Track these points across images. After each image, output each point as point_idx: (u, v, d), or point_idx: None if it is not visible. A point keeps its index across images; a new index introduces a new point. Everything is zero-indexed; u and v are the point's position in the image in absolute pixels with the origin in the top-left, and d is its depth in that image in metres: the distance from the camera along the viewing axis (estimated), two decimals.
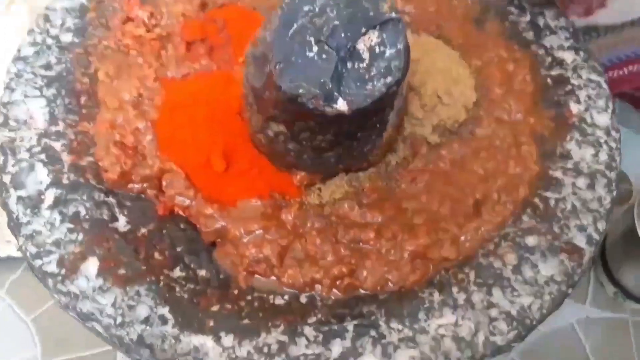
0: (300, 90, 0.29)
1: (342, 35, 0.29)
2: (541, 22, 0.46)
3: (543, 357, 0.50)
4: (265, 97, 0.32)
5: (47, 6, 0.45)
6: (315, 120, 0.31)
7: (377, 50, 0.30)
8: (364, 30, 0.30)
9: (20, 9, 0.59)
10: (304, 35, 0.29)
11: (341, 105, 0.29)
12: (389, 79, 0.30)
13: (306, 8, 0.29)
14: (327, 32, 0.29)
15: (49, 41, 0.43)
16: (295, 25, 0.29)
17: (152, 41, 0.43)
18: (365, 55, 0.30)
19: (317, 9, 0.29)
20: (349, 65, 0.30)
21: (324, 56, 0.29)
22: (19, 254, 0.53)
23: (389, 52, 0.30)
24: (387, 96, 0.31)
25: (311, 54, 0.29)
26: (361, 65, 0.30)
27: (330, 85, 0.29)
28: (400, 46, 0.30)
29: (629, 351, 0.52)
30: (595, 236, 0.35)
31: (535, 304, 0.33)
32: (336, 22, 0.29)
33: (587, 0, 0.55)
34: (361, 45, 0.30)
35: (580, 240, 0.35)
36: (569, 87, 0.42)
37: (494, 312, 0.33)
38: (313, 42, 0.29)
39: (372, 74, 0.30)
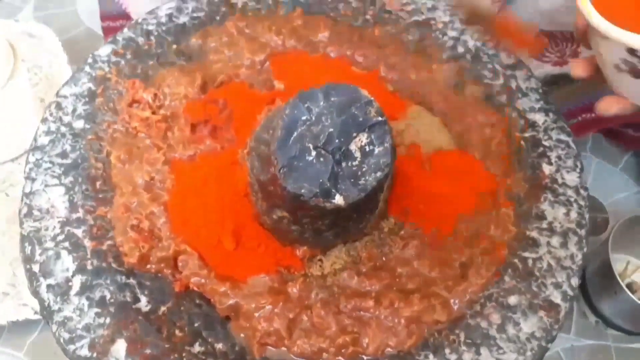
0: (303, 191, 0.33)
1: (336, 140, 0.33)
2: (513, 84, 0.50)
3: None
4: (270, 190, 0.36)
5: (58, 93, 0.48)
6: (315, 210, 0.35)
7: (367, 149, 0.34)
8: (355, 134, 0.34)
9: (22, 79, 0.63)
10: (303, 142, 0.33)
11: (338, 200, 0.33)
12: (378, 174, 0.34)
13: (304, 118, 0.33)
14: (323, 138, 0.33)
15: (63, 129, 0.46)
16: (295, 134, 0.33)
17: (158, 123, 0.47)
18: (357, 155, 0.34)
19: (313, 118, 0.33)
20: (343, 164, 0.34)
21: (321, 159, 0.33)
22: (36, 317, 0.56)
23: (377, 149, 0.34)
24: (378, 187, 0.35)
25: (310, 158, 0.33)
26: (354, 163, 0.34)
27: (328, 184, 0.33)
28: (387, 144, 0.34)
29: None
30: (570, 292, 0.39)
31: None
32: (331, 130, 0.33)
33: (560, 50, 0.59)
34: (353, 146, 0.34)
35: (556, 297, 0.39)
36: (542, 148, 0.46)
37: None
38: (311, 147, 0.33)
39: (364, 169, 0.34)
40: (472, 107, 0.49)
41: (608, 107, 0.38)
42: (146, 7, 0.53)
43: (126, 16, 0.65)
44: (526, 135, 0.47)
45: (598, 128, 0.63)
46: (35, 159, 0.45)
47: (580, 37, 0.38)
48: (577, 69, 0.39)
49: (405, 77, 0.51)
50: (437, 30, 0.53)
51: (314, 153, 0.33)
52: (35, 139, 0.46)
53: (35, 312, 0.56)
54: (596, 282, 0.58)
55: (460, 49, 0.52)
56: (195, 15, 0.53)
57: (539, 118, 0.48)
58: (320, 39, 0.52)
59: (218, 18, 0.53)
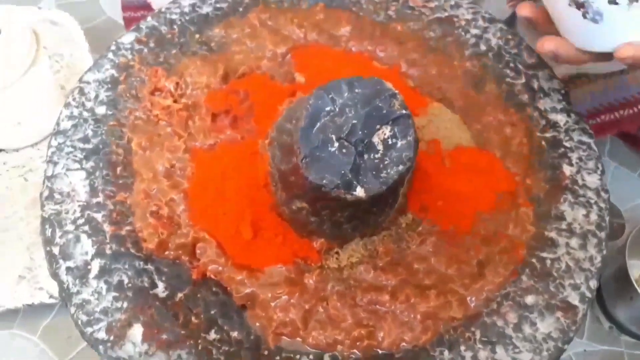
0: (324, 181, 0.33)
1: (359, 132, 0.33)
2: (535, 84, 0.50)
3: None
4: (290, 180, 0.36)
5: (81, 79, 0.49)
6: (335, 202, 0.35)
7: (390, 142, 0.34)
8: (378, 126, 0.34)
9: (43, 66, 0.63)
10: (327, 133, 0.33)
11: (359, 192, 0.34)
12: (400, 167, 0.34)
13: (328, 108, 0.33)
14: (347, 129, 0.33)
15: (85, 114, 0.47)
16: (318, 124, 0.33)
17: (179, 111, 0.47)
18: (380, 147, 0.34)
19: (337, 109, 0.34)
20: (365, 156, 0.34)
21: (344, 151, 0.33)
22: (51, 300, 0.57)
23: (400, 143, 0.34)
24: (400, 181, 0.35)
25: (333, 149, 0.33)
26: (376, 156, 0.34)
27: (350, 176, 0.33)
28: (410, 138, 0.34)
29: None
30: (588, 294, 0.39)
31: None
32: (354, 121, 0.33)
33: None
34: (376, 139, 0.34)
35: (574, 299, 0.39)
36: (562, 149, 0.46)
37: None
38: (334, 138, 0.33)
39: (386, 163, 0.34)
40: (492, 105, 0.49)
41: (547, 44, 0.37)
42: None
43: (147, 7, 0.65)
44: (547, 135, 0.47)
45: (616, 130, 0.62)
46: (57, 143, 0.45)
47: None
48: (523, 9, 0.39)
49: (426, 73, 0.51)
50: (460, 28, 0.53)
51: (336, 144, 0.33)
52: (57, 123, 0.46)
53: (51, 296, 0.57)
54: (611, 287, 0.58)
55: (483, 47, 0.52)
56: (218, 5, 0.54)
57: (560, 119, 0.47)
58: (342, 33, 0.53)
59: (241, 9, 0.54)
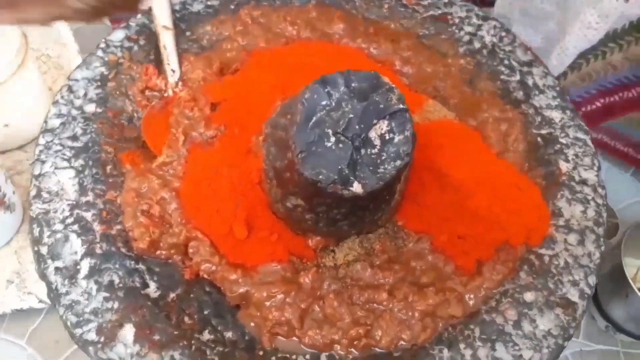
0: (321, 177, 0.32)
1: (356, 126, 0.33)
2: (530, 81, 0.49)
3: None
4: (286, 176, 0.35)
5: (70, 76, 0.48)
6: (331, 198, 0.34)
7: (387, 137, 0.33)
8: (375, 120, 0.33)
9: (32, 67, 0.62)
10: (323, 128, 0.33)
11: (356, 188, 0.33)
12: (398, 162, 0.33)
13: (324, 103, 0.33)
14: (343, 124, 0.33)
15: (74, 112, 0.46)
16: (314, 118, 0.33)
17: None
18: (377, 142, 0.33)
19: (333, 104, 0.33)
20: (363, 152, 0.33)
21: (340, 145, 0.33)
22: (40, 305, 0.56)
23: (397, 138, 0.33)
24: (397, 176, 0.34)
25: (329, 144, 0.33)
26: (373, 151, 0.33)
27: (346, 171, 0.32)
28: (407, 133, 0.33)
29: None
30: (587, 290, 0.39)
31: (535, 357, 0.36)
32: (351, 116, 0.33)
33: None
34: (373, 134, 0.33)
35: (574, 295, 0.38)
36: (558, 145, 0.45)
37: None
38: (331, 133, 0.33)
39: (383, 158, 0.33)
40: (488, 102, 0.48)
41: None
42: None
43: None
44: (543, 132, 0.47)
45: (604, 121, 0.61)
46: (45, 141, 0.44)
47: None
48: None
49: (420, 71, 0.51)
50: (454, 25, 0.52)
51: (333, 139, 0.33)
52: (46, 122, 0.45)
53: (40, 301, 0.56)
54: (607, 286, 0.57)
55: (477, 44, 0.51)
56: (209, 3, 0.53)
57: (555, 115, 0.47)
58: (335, 30, 0.52)
59: (232, 7, 0.53)
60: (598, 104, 0.57)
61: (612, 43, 0.50)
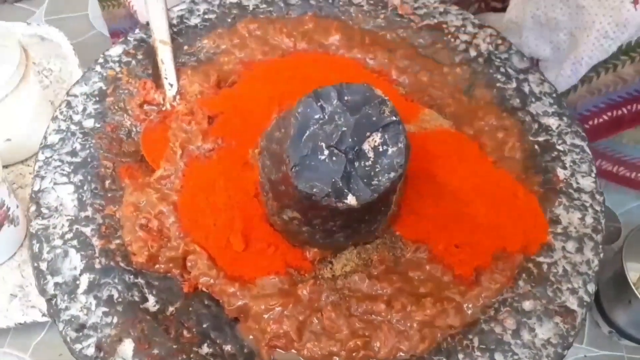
0: (315, 190, 0.33)
1: (349, 139, 0.33)
2: (526, 88, 0.49)
3: None
4: (281, 189, 0.36)
5: (69, 92, 0.48)
6: (327, 210, 0.34)
7: (381, 149, 0.33)
8: (368, 133, 0.33)
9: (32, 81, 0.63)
10: (316, 141, 0.33)
11: (351, 200, 0.33)
12: (392, 174, 0.33)
13: (317, 116, 0.33)
14: (336, 137, 0.33)
15: (73, 128, 0.46)
16: (307, 132, 0.33)
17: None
18: (370, 154, 0.33)
19: (326, 117, 0.33)
20: (356, 164, 0.33)
21: (334, 159, 0.33)
22: (43, 319, 0.56)
23: (391, 150, 0.33)
24: (391, 188, 0.34)
25: (322, 157, 0.33)
26: (367, 163, 0.33)
27: (340, 184, 0.33)
28: (401, 145, 0.33)
29: None
30: (586, 298, 0.39)
31: None
32: (344, 129, 0.33)
33: None
34: (366, 146, 0.33)
35: (572, 303, 0.38)
36: (555, 152, 0.45)
37: None
38: (324, 147, 0.33)
39: (377, 170, 0.33)
40: (484, 110, 0.48)
41: None
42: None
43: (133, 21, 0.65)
44: (540, 139, 0.47)
45: (611, 134, 0.61)
46: (44, 157, 0.44)
47: None
48: None
49: (416, 80, 0.51)
50: (449, 34, 0.53)
51: (326, 152, 0.33)
52: (45, 137, 0.45)
53: (43, 314, 0.56)
54: (610, 291, 0.57)
55: (473, 53, 0.52)
56: (206, 17, 0.54)
57: (552, 122, 0.47)
58: (331, 42, 0.52)
59: (229, 20, 0.53)
60: (605, 117, 0.57)
61: (624, 56, 0.49)
